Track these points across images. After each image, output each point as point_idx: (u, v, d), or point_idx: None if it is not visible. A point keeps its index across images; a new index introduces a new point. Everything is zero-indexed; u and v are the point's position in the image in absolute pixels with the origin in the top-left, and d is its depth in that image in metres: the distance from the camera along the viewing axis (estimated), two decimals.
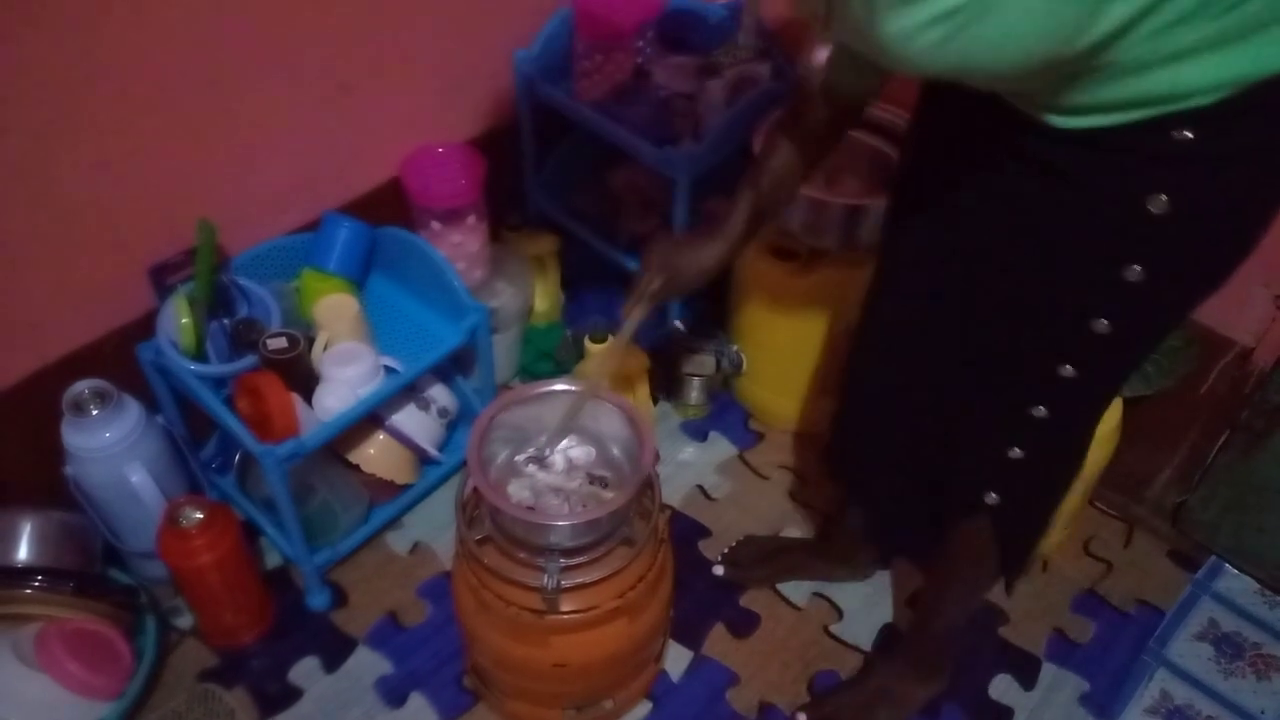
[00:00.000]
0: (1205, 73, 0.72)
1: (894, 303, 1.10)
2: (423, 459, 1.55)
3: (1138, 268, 0.84)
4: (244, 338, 1.31)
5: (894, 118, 1.51)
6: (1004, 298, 0.95)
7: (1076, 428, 1.05)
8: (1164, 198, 0.79)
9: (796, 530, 1.62)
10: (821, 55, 0.86)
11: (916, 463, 1.17)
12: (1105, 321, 0.88)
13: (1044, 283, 0.91)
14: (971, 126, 0.89)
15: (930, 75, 0.75)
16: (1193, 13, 0.69)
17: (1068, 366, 0.93)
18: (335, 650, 1.42)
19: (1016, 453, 1.03)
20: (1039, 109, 0.81)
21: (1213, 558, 1.59)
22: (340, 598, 1.48)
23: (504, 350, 1.71)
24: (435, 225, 1.51)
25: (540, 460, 1.21)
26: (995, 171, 0.90)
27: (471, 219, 1.52)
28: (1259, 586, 1.57)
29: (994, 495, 1.08)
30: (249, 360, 1.29)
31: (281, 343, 1.29)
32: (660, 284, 1.15)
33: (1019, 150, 0.86)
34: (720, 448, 1.74)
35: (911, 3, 0.67)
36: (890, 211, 1.09)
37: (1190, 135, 0.75)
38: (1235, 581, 1.58)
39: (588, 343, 1.53)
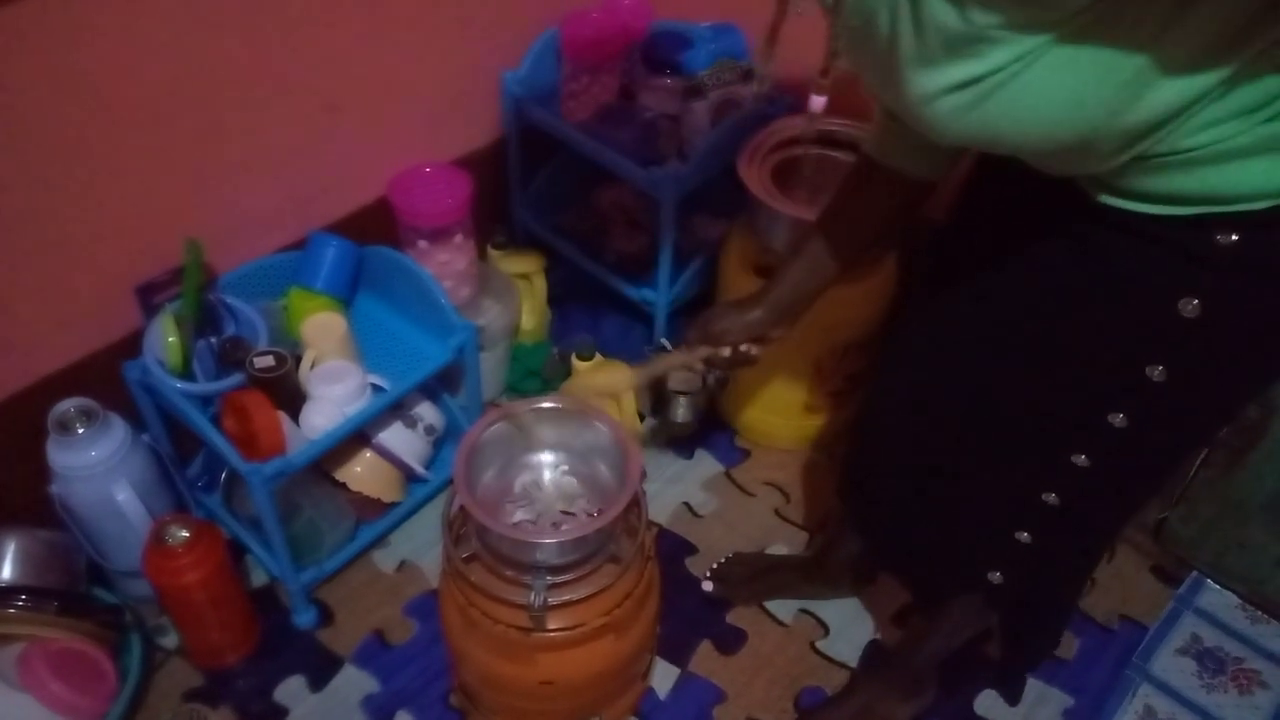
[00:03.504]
0: (1256, 176, 0.70)
1: (916, 360, 1.08)
2: (409, 477, 1.55)
3: (1161, 367, 0.82)
4: (231, 356, 1.31)
5: None
6: (1025, 375, 0.93)
7: (1088, 522, 1.02)
8: (1196, 302, 0.77)
9: (783, 547, 1.63)
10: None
11: (927, 520, 1.14)
12: (1122, 416, 0.86)
13: (1066, 367, 0.89)
14: (1021, 195, 0.86)
15: (959, 141, 0.73)
16: (1239, 113, 0.67)
17: (1081, 456, 0.91)
18: (321, 669, 1.42)
19: (1024, 537, 1.01)
20: (1088, 183, 0.79)
21: (1194, 573, 1.60)
22: (326, 616, 1.48)
23: (491, 368, 1.71)
24: (422, 244, 1.52)
25: (528, 478, 1.22)
26: (1035, 244, 0.88)
27: (459, 237, 1.53)
28: (1240, 602, 1.58)
29: (998, 575, 1.07)
30: (236, 379, 1.29)
31: (268, 361, 1.29)
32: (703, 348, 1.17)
33: (1062, 224, 0.84)
34: (707, 465, 1.75)
35: (935, 65, 0.66)
36: (929, 271, 1.07)
37: (1235, 239, 0.73)
38: (1217, 597, 1.59)
39: (574, 360, 1.53)
